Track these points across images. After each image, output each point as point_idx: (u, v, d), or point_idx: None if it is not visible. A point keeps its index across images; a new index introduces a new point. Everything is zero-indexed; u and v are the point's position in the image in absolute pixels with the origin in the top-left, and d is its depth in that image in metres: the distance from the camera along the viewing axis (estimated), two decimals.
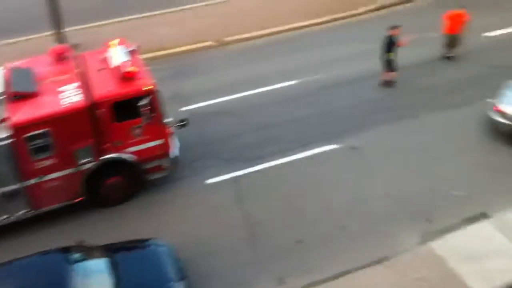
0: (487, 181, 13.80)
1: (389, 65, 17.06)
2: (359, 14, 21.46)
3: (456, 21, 17.79)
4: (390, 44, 16.74)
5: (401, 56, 18.32)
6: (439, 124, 15.74)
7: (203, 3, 22.85)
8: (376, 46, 17.28)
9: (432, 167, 14.30)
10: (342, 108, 16.58)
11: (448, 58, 18.38)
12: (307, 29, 20.96)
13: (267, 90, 17.51)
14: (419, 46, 18.97)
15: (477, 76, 17.49)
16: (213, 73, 18.61)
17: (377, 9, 21.67)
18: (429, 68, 18.10)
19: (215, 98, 17.20)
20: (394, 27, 16.78)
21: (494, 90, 15.70)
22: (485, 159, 14.50)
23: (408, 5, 21.99)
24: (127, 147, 13.10)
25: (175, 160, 13.83)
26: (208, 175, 14.41)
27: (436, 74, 17.75)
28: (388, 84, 17.26)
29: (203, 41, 20.26)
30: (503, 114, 14.64)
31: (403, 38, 16.78)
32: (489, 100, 15.59)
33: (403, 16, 20.99)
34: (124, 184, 13.50)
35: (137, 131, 13.00)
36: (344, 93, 17.21)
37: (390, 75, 17.24)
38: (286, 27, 20.92)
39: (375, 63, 17.48)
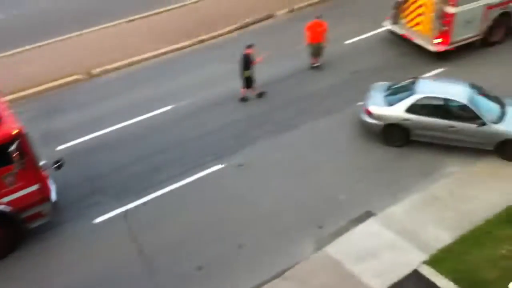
0: (366, 180, 14.56)
1: (248, 82, 17.55)
2: (223, 34, 21.73)
3: (317, 30, 18.68)
4: (247, 62, 17.26)
5: (272, 70, 18.96)
6: (316, 132, 16.36)
7: (66, 36, 22.01)
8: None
9: (315, 175, 14.82)
10: (221, 127, 16.71)
11: (315, 67, 19.21)
12: (175, 53, 20.88)
13: (144, 119, 17.22)
14: (287, 59, 19.72)
15: (344, 81, 18.44)
16: (85, 107, 17.97)
17: (239, 28, 22.08)
18: (300, 79, 18.80)
19: (91, 133, 16.61)
20: (249, 46, 17.31)
21: (362, 93, 16.64)
22: (362, 160, 15.30)
23: (269, 21, 22.67)
24: (1, 197, 12.25)
25: (56, 204, 13.15)
26: (95, 214, 13.84)
27: (307, 84, 18.47)
28: (244, 100, 17.76)
29: (71, 75, 19.50)
30: (372, 115, 15.54)
31: (258, 56, 17.27)
32: (359, 103, 16.50)
33: (265, 33, 21.71)
34: (3, 237, 12.59)
35: (10, 179, 12.20)
36: (220, 112, 17.37)
37: (249, 91, 17.72)
38: (155, 53, 20.72)
39: (234, 86, 17.88)
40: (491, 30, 19.30)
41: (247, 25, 22.27)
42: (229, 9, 23.17)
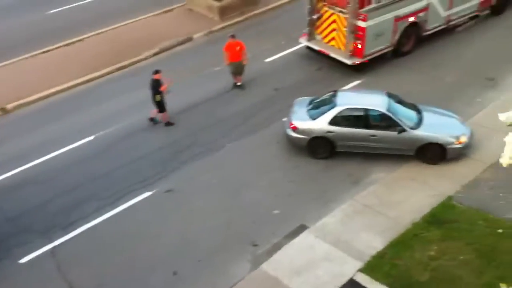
0: (298, 193, 14.73)
1: (160, 107, 17.42)
2: (142, 60, 21.48)
3: (235, 50, 18.86)
4: (156, 88, 17.10)
5: (195, 92, 18.96)
6: (244, 151, 16.42)
7: None
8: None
9: (246, 193, 14.83)
10: (148, 153, 16.45)
11: (239, 86, 19.35)
12: (94, 81, 20.43)
13: (66, 150, 16.68)
14: (209, 80, 19.76)
15: (268, 99, 18.66)
16: (3, 143, 17.21)
17: (158, 53, 21.92)
18: (223, 99, 18.84)
19: (10, 170, 15.90)
20: (156, 72, 17.14)
21: (286, 109, 16.88)
22: (292, 174, 15.47)
23: (187, 44, 22.65)
24: None
25: None
26: (20, 253, 13.19)
27: (231, 104, 18.54)
28: (168, 124, 17.61)
29: None
30: (297, 130, 15.77)
31: (165, 83, 17.15)
32: (283, 119, 16.72)
33: (185, 56, 21.70)
34: None
35: None
36: (145, 139, 17.11)
37: (162, 116, 17.59)
38: (74, 82, 20.18)
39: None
40: (401, 41, 20.15)
41: (165, 49, 22.14)
42: (147, 35, 22.97)
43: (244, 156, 16.24)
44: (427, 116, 15.77)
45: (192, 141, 16.87)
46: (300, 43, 20.97)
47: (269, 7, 24.87)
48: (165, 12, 24.92)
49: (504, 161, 1.94)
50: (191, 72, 20.35)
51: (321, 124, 15.54)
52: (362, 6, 18.72)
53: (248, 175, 15.47)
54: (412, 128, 15.26)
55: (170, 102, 17.87)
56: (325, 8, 19.73)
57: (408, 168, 15.36)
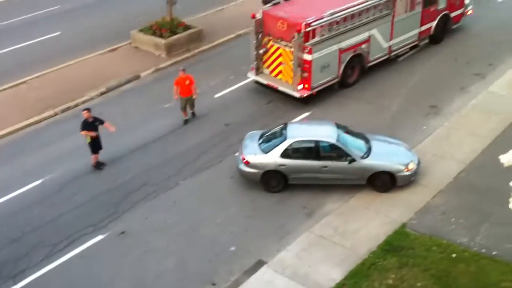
0: (254, 228, 14.65)
1: (93, 147, 16.95)
2: (89, 100, 21.10)
3: (185, 84, 18.86)
4: (85, 126, 16.68)
5: (145, 131, 18.74)
6: (198, 188, 16.25)
7: None
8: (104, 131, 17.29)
9: (202, 230, 14.64)
10: (97, 196, 16.04)
11: (188, 120, 19.34)
12: (40, 123, 19.90)
13: (11, 197, 16.09)
14: (158, 118, 19.59)
15: (219, 134, 18.62)
16: None
17: (105, 92, 21.62)
18: (174, 136, 18.69)
19: None
20: (85, 110, 16.76)
21: (237, 144, 16.88)
22: (247, 209, 15.39)
23: (135, 82, 22.46)
24: None
25: None
26: None
27: (182, 141, 18.39)
28: (98, 165, 17.18)
29: None
30: (249, 164, 15.76)
31: (107, 124, 16.93)
32: (236, 154, 16.69)
33: (132, 94, 21.48)
34: None
35: None
36: (93, 181, 16.70)
37: (94, 157, 17.16)
38: (18, 125, 19.61)
39: (109, 149, 17.44)
40: (346, 72, 20.61)
41: (112, 88, 21.88)
42: (92, 74, 22.65)
43: (198, 193, 16.07)
44: (376, 145, 16.05)
45: (145, 181, 16.59)
46: (248, 77, 21.15)
47: (215, 43, 25.06)
48: (111, 51, 24.71)
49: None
50: (140, 111, 20.16)
51: (273, 157, 15.58)
52: (307, 40, 19.08)
53: (203, 212, 15.29)
54: (362, 158, 15.50)
55: (120, 141, 17.59)
56: (271, 43, 20.02)
57: (361, 197, 15.54)
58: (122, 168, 17.23)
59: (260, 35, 20.23)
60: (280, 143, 15.69)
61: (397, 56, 22.66)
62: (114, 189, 16.29)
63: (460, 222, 14.43)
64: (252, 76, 20.97)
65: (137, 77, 22.69)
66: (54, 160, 17.65)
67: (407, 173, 15.56)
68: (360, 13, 20.17)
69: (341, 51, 20.03)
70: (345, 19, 19.74)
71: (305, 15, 19.31)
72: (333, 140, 15.50)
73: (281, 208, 15.36)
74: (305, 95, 19.55)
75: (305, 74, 19.37)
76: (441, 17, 23.55)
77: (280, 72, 20.19)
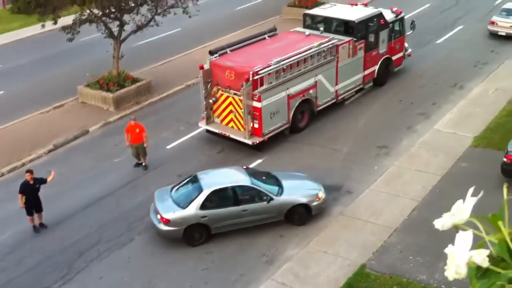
0: (213, 281, 14.37)
1: (28, 210, 16.30)
2: (36, 158, 20.54)
3: (135, 132, 18.79)
4: (23, 189, 16.02)
5: (95, 187, 18.32)
6: (153, 243, 15.85)
7: None
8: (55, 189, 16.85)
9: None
10: (49, 257, 15.46)
11: (139, 165, 19.27)
12: None
13: None
14: (108, 173, 19.23)
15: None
16: None
17: (53, 149, 21.12)
18: (126, 190, 18.31)
19: None
20: (28, 172, 16.20)
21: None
22: (204, 261, 15.08)
23: (83, 138, 22.06)
24: None
25: None
26: None
27: (134, 195, 17.99)
28: (36, 229, 16.49)
29: None
30: (169, 222, 15.12)
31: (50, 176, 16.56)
32: (150, 214, 15.97)
33: (82, 149, 21.08)
34: None
35: None
36: (44, 242, 16.09)
37: (37, 218, 16.53)
38: None
39: (60, 207, 16.96)
40: (296, 117, 20.90)
41: (61, 145, 21.42)
42: (39, 132, 22.14)
43: (153, 248, 15.71)
44: (285, 181, 16.47)
45: (98, 238, 16.12)
46: (199, 127, 21.14)
47: (165, 94, 25.05)
48: (57, 107, 24.32)
49: (450, 274, 1.87)
50: (90, 166, 19.77)
51: (193, 210, 15.18)
52: (255, 88, 19.32)
53: (160, 268, 14.91)
54: (277, 195, 15.77)
55: (72, 198, 17.10)
56: (220, 92, 20.16)
57: (319, 241, 15.53)
58: (75, 226, 16.71)
59: (209, 85, 20.37)
60: (197, 195, 15.31)
61: (344, 99, 23.18)
62: (67, 249, 15.75)
63: (418, 259, 14.56)
64: (203, 126, 20.98)
65: (86, 132, 22.33)
66: (2, 222, 16.98)
67: (319, 201, 16.08)
68: (305, 60, 20.64)
69: (290, 97, 20.35)
70: (291, 66, 20.14)
71: (252, 64, 19.62)
72: (248, 183, 15.68)
73: (240, 258, 15.16)
74: (257, 142, 19.65)
75: (256, 121, 19.52)
76: (383, 60, 24.35)
77: (231, 120, 20.28)
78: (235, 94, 19.76)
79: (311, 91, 21.19)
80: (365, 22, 23.27)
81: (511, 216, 1.68)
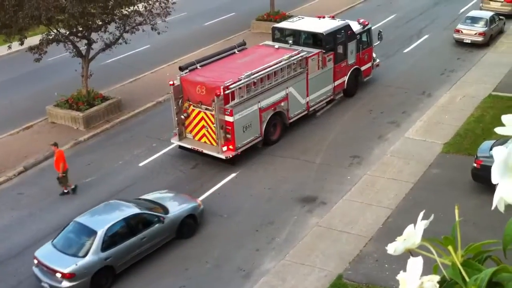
0: None
1: None
2: (7, 180, 20.09)
3: (56, 158, 18.62)
4: None
5: (69, 207, 18.05)
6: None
7: None
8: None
9: None
10: None
11: (63, 193, 18.94)
12: None
13: None
14: (81, 193, 18.95)
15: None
16: None
17: (23, 171, 20.71)
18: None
19: None
20: None
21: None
22: (180, 278, 14.93)
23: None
24: None
25: None
26: None
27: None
28: None
29: None
30: (75, 276, 14.11)
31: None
32: (42, 283, 14.80)
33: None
34: None
35: None
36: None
37: None
38: None
39: (33, 230, 16.65)
40: (268, 130, 20.94)
41: (31, 166, 21.07)
42: (8, 154, 21.69)
43: (131, 264, 15.51)
44: (163, 201, 16.52)
45: None
46: (172, 143, 21.03)
47: (136, 111, 24.87)
48: (26, 128, 23.95)
49: None
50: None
51: (95, 255, 14.29)
52: (227, 102, 19.31)
53: (137, 285, 14.71)
54: (167, 213, 15.82)
55: (43, 220, 16.79)
56: (192, 107, 20.11)
57: (295, 254, 15.51)
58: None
59: (180, 101, 20.30)
60: (92, 238, 14.43)
61: (316, 111, 23.32)
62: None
63: (394, 267, 14.61)
64: (176, 142, 20.87)
65: None
66: None
67: (201, 208, 16.63)
68: (275, 73, 20.74)
69: (261, 110, 20.40)
70: (262, 79, 20.21)
71: (222, 78, 19.63)
72: (138, 210, 15.42)
73: (216, 273, 15.04)
74: (230, 156, 19.60)
75: (229, 136, 19.50)
76: (352, 71, 24.61)
77: (203, 135, 20.22)
78: (206, 109, 19.72)
79: (282, 104, 21.28)
80: (333, 34, 23.53)
81: (463, 237, 1.70)
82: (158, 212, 15.71)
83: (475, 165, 17.17)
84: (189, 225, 16.30)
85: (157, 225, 15.44)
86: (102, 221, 15.01)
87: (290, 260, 15.28)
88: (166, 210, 16.00)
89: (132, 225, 15.15)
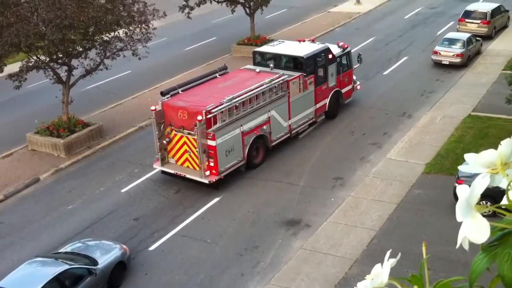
0: None
1: None
2: None
3: None
4: None
5: (50, 235, 17.79)
6: None
7: None
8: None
9: None
10: None
11: None
12: None
13: None
14: (64, 220, 18.72)
15: (129, 229, 17.94)
16: None
17: (3, 200, 20.39)
18: (82, 238, 17.80)
19: None
20: None
21: (148, 238, 16.30)
22: None
23: (35, 186, 21.42)
24: None
25: None
26: None
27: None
28: None
29: None
30: None
31: None
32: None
33: (34, 198, 20.50)
34: None
35: None
36: None
37: None
38: None
39: (13, 259, 16.39)
40: (251, 153, 20.92)
41: (11, 195, 20.76)
42: None
43: None
44: (88, 251, 15.57)
45: None
46: (154, 168, 20.90)
47: (117, 137, 24.72)
48: (6, 156, 23.66)
49: None
50: (42, 215, 19.19)
51: None
52: (209, 126, 19.29)
53: None
54: (96, 264, 14.94)
55: (24, 249, 16.51)
56: (174, 132, 20.05)
57: (280, 278, 15.40)
58: None
59: (162, 126, 20.24)
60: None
61: (298, 133, 23.39)
62: None
63: None
64: (158, 167, 20.75)
65: (37, 180, 21.74)
66: None
67: (128, 253, 15.87)
68: (257, 96, 20.81)
69: (244, 133, 20.40)
70: (243, 103, 20.26)
71: (204, 102, 19.65)
72: (67, 266, 14.33)
73: None
74: (213, 181, 19.51)
75: (211, 160, 19.43)
76: (333, 93, 24.78)
77: (186, 160, 20.13)
78: (189, 133, 19.67)
79: (264, 127, 21.32)
80: (314, 57, 23.73)
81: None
82: (88, 265, 14.71)
83: (456, 184, 17.29)
84: (120, 272, 15.46)
85: (90, 277, 14.48)
86: (31, 284, 13.57)
87: (275, 284, 15.15)
88: (94, 261, 14.99)
89: (64, 283, 13.96)
